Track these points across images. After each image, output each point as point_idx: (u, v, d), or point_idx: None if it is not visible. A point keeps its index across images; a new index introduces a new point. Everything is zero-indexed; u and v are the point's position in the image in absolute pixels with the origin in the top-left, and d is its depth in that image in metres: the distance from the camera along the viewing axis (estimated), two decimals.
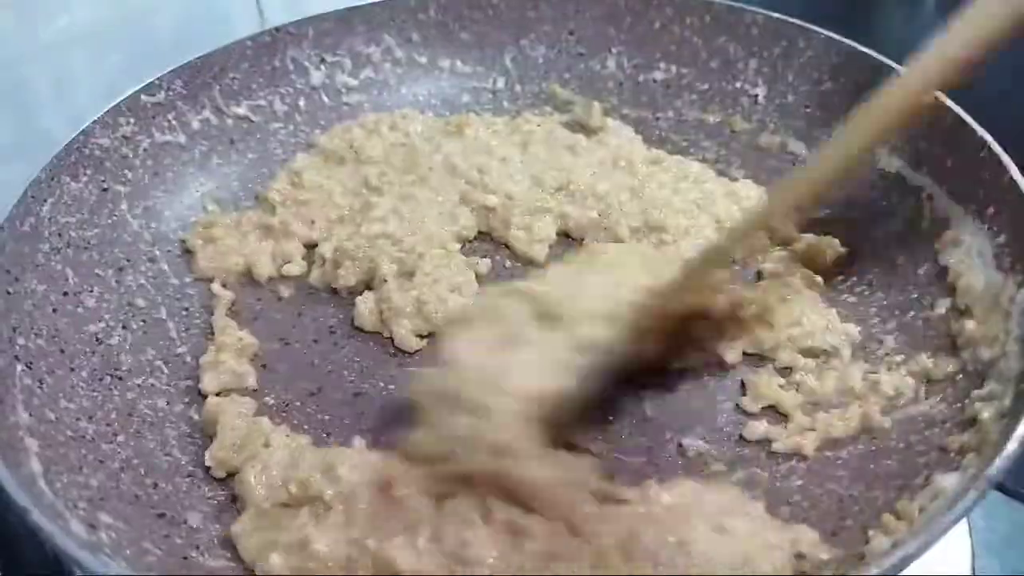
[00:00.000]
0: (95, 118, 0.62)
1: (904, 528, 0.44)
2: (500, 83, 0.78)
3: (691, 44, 0.74)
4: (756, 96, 0.72)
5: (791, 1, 0.76)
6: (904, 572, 0.39)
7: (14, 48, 0.71)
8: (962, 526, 0.54)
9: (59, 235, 0.58)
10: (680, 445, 0.52)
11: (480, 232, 0.67)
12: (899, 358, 0.55)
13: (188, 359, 0.58)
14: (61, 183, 0.59)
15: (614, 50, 0.76)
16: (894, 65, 0.62)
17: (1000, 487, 0.58)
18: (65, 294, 0.57)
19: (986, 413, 0.47)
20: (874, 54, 0.65)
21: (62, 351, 0.54)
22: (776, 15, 0.71)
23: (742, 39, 0.72)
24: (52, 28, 0.73)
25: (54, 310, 0.55)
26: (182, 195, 0.67)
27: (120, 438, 0.52)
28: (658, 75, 0.76)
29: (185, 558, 0.46)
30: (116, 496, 0.48)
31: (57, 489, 0.45)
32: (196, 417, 0.55)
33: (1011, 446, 0.41)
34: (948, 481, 0.44)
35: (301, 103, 0.74)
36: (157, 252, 0.64)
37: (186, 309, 0.62)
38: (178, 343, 0.59)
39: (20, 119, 0.72)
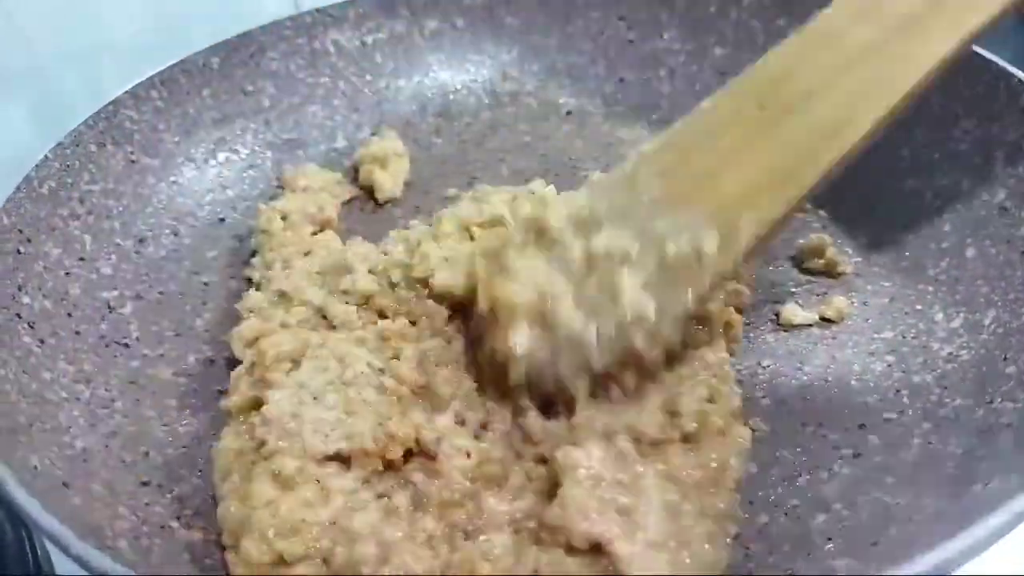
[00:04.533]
0: (127, 89, 0.62)
1: None
2: (546, 70, 0.75)
3: (748, 27, 0.70)
4: None
5: None
6: (960, 572, 0.34)
7: (46, 54, 0.72)
8: None
9: (81, 201, 0.58)
10: None
11: None
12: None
13: (202, 332, 0.56)
14: (87, 151, 0.59)
15: (666, 35, 0.72)
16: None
17: None
18: (81, 259, 0.56)
19: None
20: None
21: (69, 315, 0.53)
22: None
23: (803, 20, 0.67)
24: (85, 37, 0.73)
25: (67, 274, 0.54)
26: (212, 171, 0.66)
27: (118, 404, 0.50)
28: (713, 60, 0.71)
29: (163, 527, 0.43)
30: (101, 460, 0.46)
31: (36, 444, 0.43)
32: (199, 389, 0.53)
33: None
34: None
35: (340, 85, 0.73)
36: (180, 226, 0.63)
37: (205, 284, 0.60)
38: (193, 316, 0.57)
39: (52, 123, 0.72)
